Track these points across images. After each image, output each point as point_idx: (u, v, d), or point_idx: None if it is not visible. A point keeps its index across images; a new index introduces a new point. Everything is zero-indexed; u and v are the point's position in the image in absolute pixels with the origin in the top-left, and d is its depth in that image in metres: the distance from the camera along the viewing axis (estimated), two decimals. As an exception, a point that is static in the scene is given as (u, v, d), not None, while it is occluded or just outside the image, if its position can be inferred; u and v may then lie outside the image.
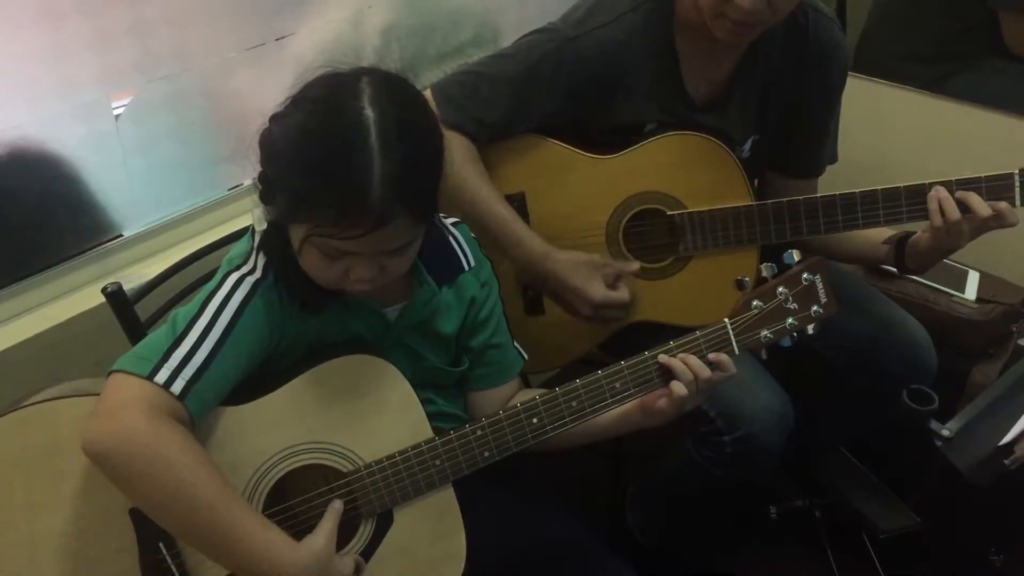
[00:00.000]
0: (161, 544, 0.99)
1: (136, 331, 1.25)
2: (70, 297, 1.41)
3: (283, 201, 0.96)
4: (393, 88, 0.95)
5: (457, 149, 1.35)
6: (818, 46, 1.42)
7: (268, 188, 0.98)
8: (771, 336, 1.15)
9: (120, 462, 0.91)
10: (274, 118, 0.96)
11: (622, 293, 1.38)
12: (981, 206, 1.29)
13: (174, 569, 1.00)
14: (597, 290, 1.36)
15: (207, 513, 0.93)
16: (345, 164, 0.90)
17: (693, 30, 1.35)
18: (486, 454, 1.08)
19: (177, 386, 0.94)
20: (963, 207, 1.30)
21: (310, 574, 0.96)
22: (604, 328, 1.45)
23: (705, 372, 1.09)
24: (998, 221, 1.30)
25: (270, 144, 0.96)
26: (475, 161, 1.38)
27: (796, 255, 1.16)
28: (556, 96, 1.37)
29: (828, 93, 1.48)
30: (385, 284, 1.03)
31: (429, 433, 1.08)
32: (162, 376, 0.94)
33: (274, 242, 1.02)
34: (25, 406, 0.97)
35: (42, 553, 0.97)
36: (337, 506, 1.03)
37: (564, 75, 1.35)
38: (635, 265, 1.41)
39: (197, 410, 0.96)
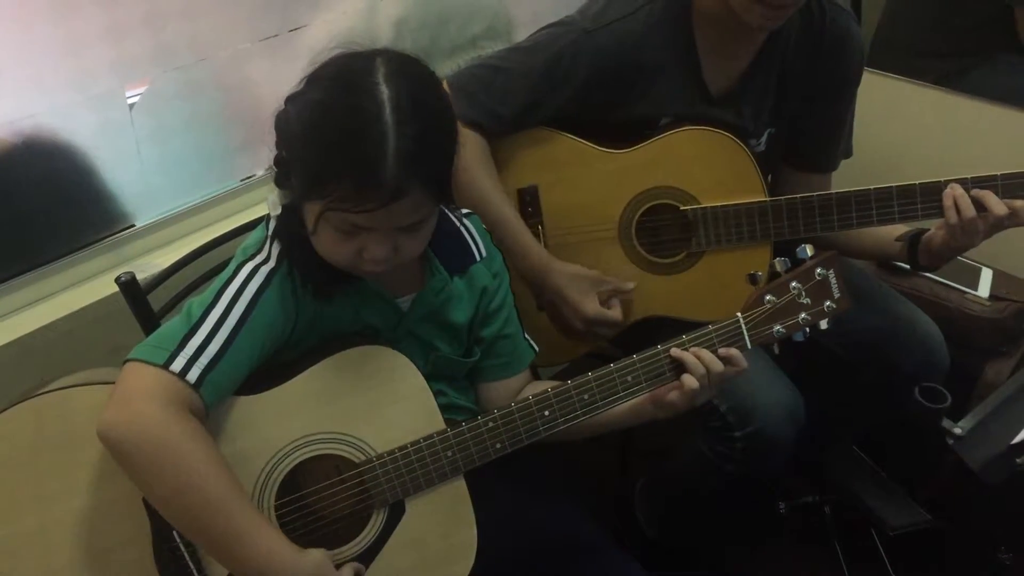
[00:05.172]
0: (175, 533, 0.99)
1: (149, 321, 1.26)
2: (83, 286, 1.42)
3: (299, 178, 0.97)
4: (407, 67, 0.97)
5: (470, 149, 1.35)
6: (833, 39, 1.41)
7: (284, 169, 1.00)
8: (784, 331, 1.14)
9: (132, 451, 0.92)
10: (290, 99, 0.98)
11: (615, 312, 1.40)
12: (997, 205, 1.28)
13: (188, 559, 1.00)
14: (590, 306, 1.38)
15: (213, 510, 0.93)
16: (360, 137, 0.91)
17: (712, 22, 1.35)
18: (498, 446, 1.08)
19: (192, 375, 0.95)
20: (979, 205, 1.29)
21: None
22: (592, 341, 1.47)
23: (717, 366, 1.09)
24: (1014, 220, 1.29)
25: (286, 124, 0.97)
26: (487, 162, 1.38)
27: (810, 250, 1.16)
28: (573, 89, 1.36)
29: (843, 86, 1.47)
30: (398, 272, 1.03)
31: (441, 424, 1.08)
32: (177, 365, 0.95)
33: (289, 226, 1.03)
34: (40, 394, 0.98)
35: (56, 541, 0.97)
36: (357, 569, 1.05)
37: (582, 69, 1.35)
38: (631, 284, 1.42)
39: (211, 399, 0.96)
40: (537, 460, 1.24)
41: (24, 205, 1.32)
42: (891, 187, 1.36)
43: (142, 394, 0.93)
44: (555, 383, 1.12)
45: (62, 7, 1.25)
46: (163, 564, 1.00)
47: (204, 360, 0.96)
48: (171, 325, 1.00)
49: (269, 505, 1.03)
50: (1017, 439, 1.24)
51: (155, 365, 0.95)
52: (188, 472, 0.92)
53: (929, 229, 1.40)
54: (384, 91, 0.92)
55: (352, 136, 0.91)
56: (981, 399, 1.37)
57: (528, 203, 1.43)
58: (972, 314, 1.79)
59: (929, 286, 1.83)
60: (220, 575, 1.02)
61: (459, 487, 1.09)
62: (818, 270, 1.15)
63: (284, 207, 1.04)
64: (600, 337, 1.44)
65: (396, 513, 1.08)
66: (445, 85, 1.38)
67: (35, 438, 0.96)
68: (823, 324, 1.16)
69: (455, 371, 1.19)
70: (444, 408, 1.10)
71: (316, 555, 0.99)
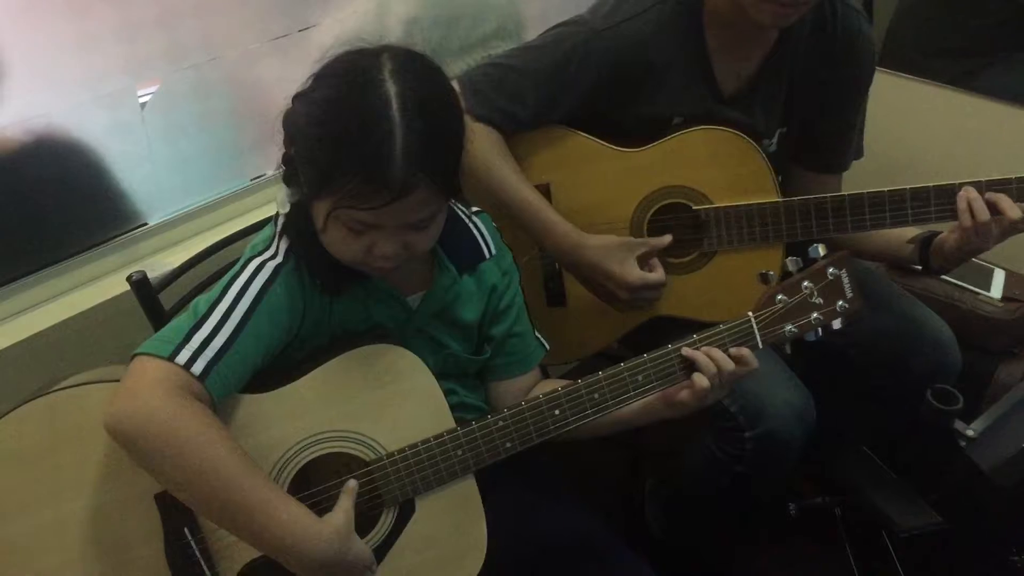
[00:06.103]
0: (186, 529, 1.00)
1: (160, 319, 1.26)
2: (95, 285, 1.43)
3: (307, 176, 0.97)
4: (414, 63, 0.97)
5: (485, 139, 1.35)
6: (845, 39, 1.41)
7: (292, 167, 1.00)
8: (795, 331, 1.14)
9: (142, 440, 0.92)
10: (297, 96, 0.98)
11: (658, 274, 1.36)
12: (1011, 208, 1.27)
13: (198, 554, 1.00)
14: (633, 273, 1.35)
15: (229, 488, 0.93)
16: (367, 134, 0.91)
17: (722, 22, 1.35)
18: (508, 445, 1.08)
19: (198, 367, 0.95)
20: (993, 208, 1.28)
21: (332, 549, 0.96)
22: (638, 314, 1.44)
23: (728, 365, 1.08)
24: None
25: (294, 122, 0.97)
26: (503, 150, 1.38)
27: (822, 249, 1.15)
28: (584, 89, 1.36)
29: (854, 86, 1.47)
30: (407, 270, 1.03)
31: (451, 423, 1.08)
32: (183, 357, 0.95)
33: (297, 223, 1.03)
34: (52, 391, 0.98)
35: (68, 538, 0.98)
36: (352, 485, 1.03)
37: (592, 68, 1.35)
38: (667, 239, 1.39)
39: (218, 391, 0.96)
40: (547, 460, 1.24)
41: (36, 204, 1.33)
42: (905, 189, 1.35)
43: (148, 385, 0.93)
44: (566, 382, 1.12)
45: (75, 6, 1.26)
46: (174, 561, 1.00)
47: (209, 353, 0.96)
48: (178, 320, 1.00)
49: (280, 503, 1.03)
50: (1030, 441, 1.24)
51: (160, 358, 0.95)
52: (200, 454, 0.92)
53: (941, 232, 1.40)
54: (391, 87, 0.92)
55: (359, 133, 0.91)
56: (993, 401, 1.37)
57: (540, 201, 1.42)
58: (984, 315, 1.78)
59: (941, 287, 1.82)
60: (231, 571, 1.02)
61: (469, 486, 1.09)
62: (830, 270, 1.14)
63: (293, 205, 1.04)
64: (649, 303, 1.40)
65: (406, 512, 1.08)
66: (455, 84, 1.38)
67: (49, 435, 0.97)
68: (836, 324, 1.15)
69: (465, 369, 1.19)
70: (454, 407, 1.10)
71: (335, 520, 0.98)
